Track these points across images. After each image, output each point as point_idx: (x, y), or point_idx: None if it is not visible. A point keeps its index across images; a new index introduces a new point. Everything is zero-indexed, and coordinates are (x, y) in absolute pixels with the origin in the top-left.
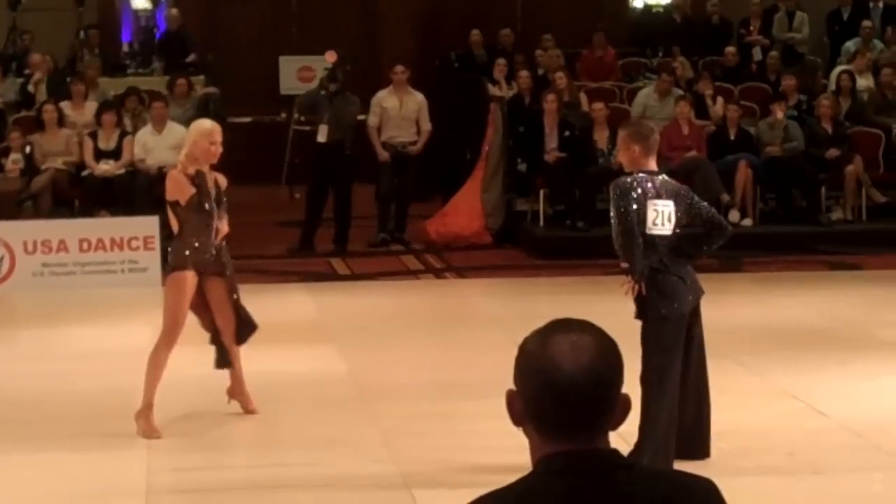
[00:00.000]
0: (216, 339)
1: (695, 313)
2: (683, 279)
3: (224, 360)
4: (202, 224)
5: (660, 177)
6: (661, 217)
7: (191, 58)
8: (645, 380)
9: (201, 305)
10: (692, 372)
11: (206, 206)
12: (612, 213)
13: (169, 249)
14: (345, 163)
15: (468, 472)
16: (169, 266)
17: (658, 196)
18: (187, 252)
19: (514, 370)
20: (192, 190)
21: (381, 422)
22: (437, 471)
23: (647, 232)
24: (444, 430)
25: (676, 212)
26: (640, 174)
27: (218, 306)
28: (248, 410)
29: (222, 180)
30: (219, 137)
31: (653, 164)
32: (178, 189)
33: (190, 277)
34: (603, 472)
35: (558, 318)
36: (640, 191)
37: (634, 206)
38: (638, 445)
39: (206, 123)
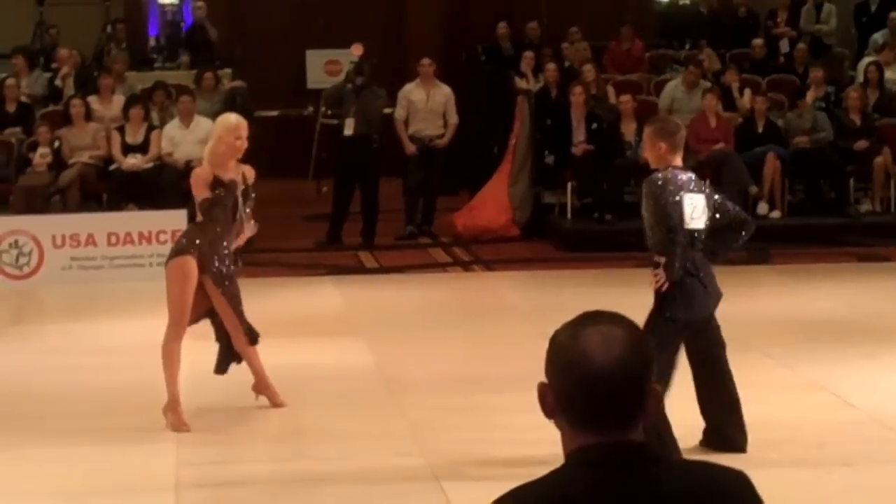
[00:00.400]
0: (222, 339)
1: (708, 318)
2: (706, 286)
3: (223, 365)
4: (213, 228)
5: (688, 173)
6: (697, 210)
7: (217, 52)
8: None
9: (198, 298)
10: (719, 374)
11: (222, 214)
12: (645, 211)
13: (181, 242)
14: (372, 156)
15: (497, 465)
16: (172, 251)
17: (691, 190)
18: (197, 241)
19: (545, 363)
20: (207, 194)
21: (408, 415)
22: (466, 464)
23: (686, 227)
24: (471, 422)
25: (706, 206)
26: (672, 170)
27: (221, 311)
28: (275, 404)
29: (250, 173)
30: (244, 132)
31: (679, 161)
32: (195, 187)
33: (192, 263)
34: (634, 464)
35: (588, 311)
36: (676, 184)
37: (676, 199)
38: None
39: (231, 118)
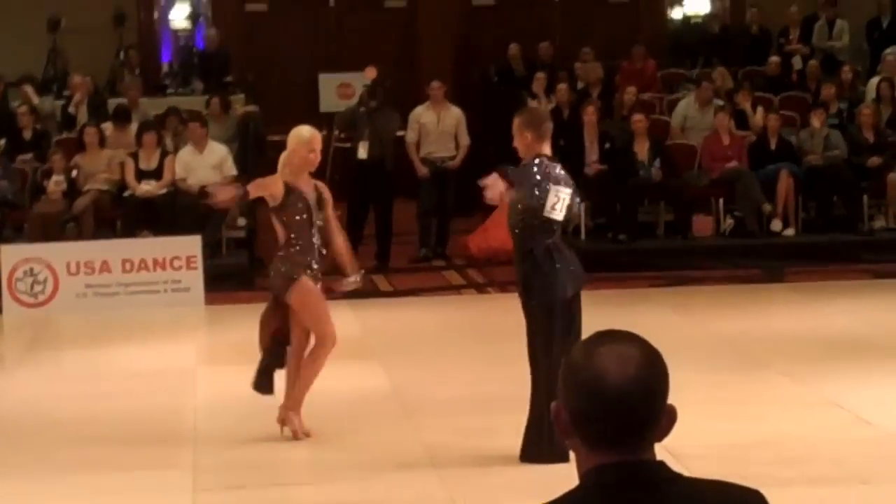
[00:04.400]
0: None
1: (575, 298)
2: (561, 270)
3: (267, 384)
4: (290, 239)
5: (559, 165)
6: (561, 203)
7: (229, 78)
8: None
9: (270, 319)
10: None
11: (298, 217)
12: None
13: (280, 266)
14: (385, 179)
15: (514, 488)
16: (280, 283)
17: (558, 182)
18: (297, 257)
19: (559, 382)
20: (278, 200)
21: (425, 437)
22: (482, 486)
23: (545, 215)
24: (488, 445)
25: (572, 200)
26: (542, 159)
27: (308, 313)
28: (296, 434)
29: (323, 188)
30: (318, 146)
31: (548, 150)
32: (260, 188)
33: (307, 281)
34: (649, 484)
35: (603, 330)
36: (544, 173)
37: (545, 186)
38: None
39: (304, 131)
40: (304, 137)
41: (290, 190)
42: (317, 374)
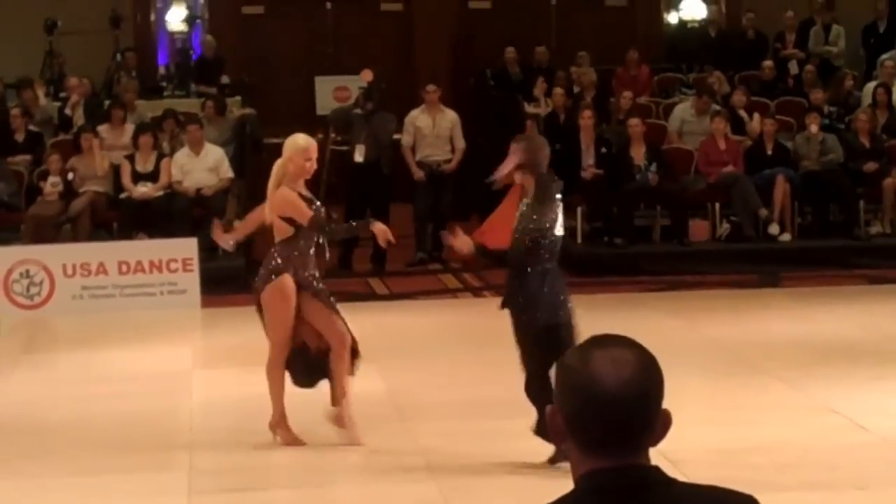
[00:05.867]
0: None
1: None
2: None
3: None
4: (306, 244)
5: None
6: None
7: (225, 80)
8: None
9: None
10: None
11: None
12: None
13: (271, 264)
14: (382, 182)
15: (509, 491)
16: (266, 272)
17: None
18: (293, 254)
19: (554, 386)
20: (311, 213)
21: (420, 441)
22: (478, 490)
23: (555, 233)
24: (483, 448)
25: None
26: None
27: (318, 319)
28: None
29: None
30: (314, 154)
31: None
32: (295, 208)
33: (290, 281)
34: (644, 488)
35: (598, 334)
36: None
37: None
38: None
39: (300, 140)
40: (300, 146)
41: (305, 200)
42: (281, 380)
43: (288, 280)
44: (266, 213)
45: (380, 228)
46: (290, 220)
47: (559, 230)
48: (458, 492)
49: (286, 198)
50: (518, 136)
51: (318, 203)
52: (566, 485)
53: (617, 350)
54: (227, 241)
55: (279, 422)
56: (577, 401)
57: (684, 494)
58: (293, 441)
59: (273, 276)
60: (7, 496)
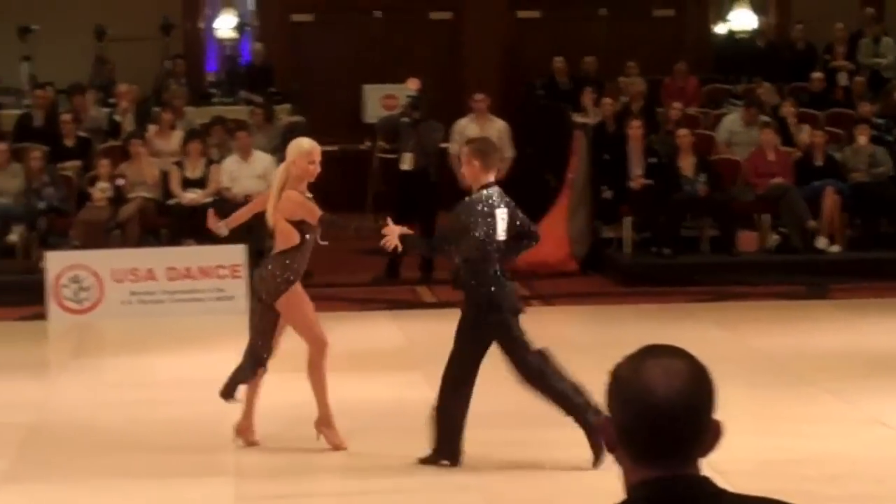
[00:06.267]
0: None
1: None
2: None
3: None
4: (309, 246)
5: (496, 188)
6: (504, 223)
7: (274, 88)
8: None
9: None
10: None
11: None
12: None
13: (269, 266)
14: (429, 190)
15: (554, 501)
16: (276, 287)
17: (499, 206)
18: (295, 265)
19: (606, 396)
20: (320, 212)
21: (466, 449)
22: (521, 499)
23: (498, 238)
24: (529, 457)
25: (509, 218)
26: (485, 190)
27: (299, 323)
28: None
29: None
30: (318, 157)
31: (492, 178)
32: (306, 209)
33: (299, 288)
34: (694, 499)
35: (649, 344)
36: (489, 205)
37: (488, 220)
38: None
39: (304, 143)
40: (304, 148)
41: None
42: (322, 380)
43: (297, 287)
44: (269, 216)
45: (391, 232)
46: (298, 224)
47: (502, 235)
48: (502, 501)
49: (294, 200)
50: (470, 139)
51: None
52: (613, 494)
53: (669, 360)
54: (220, 228)
55: (324, 421)
56: (630, 411)
57: None
58: (337, 442)
59: (286, 287)
60: (55, 499)
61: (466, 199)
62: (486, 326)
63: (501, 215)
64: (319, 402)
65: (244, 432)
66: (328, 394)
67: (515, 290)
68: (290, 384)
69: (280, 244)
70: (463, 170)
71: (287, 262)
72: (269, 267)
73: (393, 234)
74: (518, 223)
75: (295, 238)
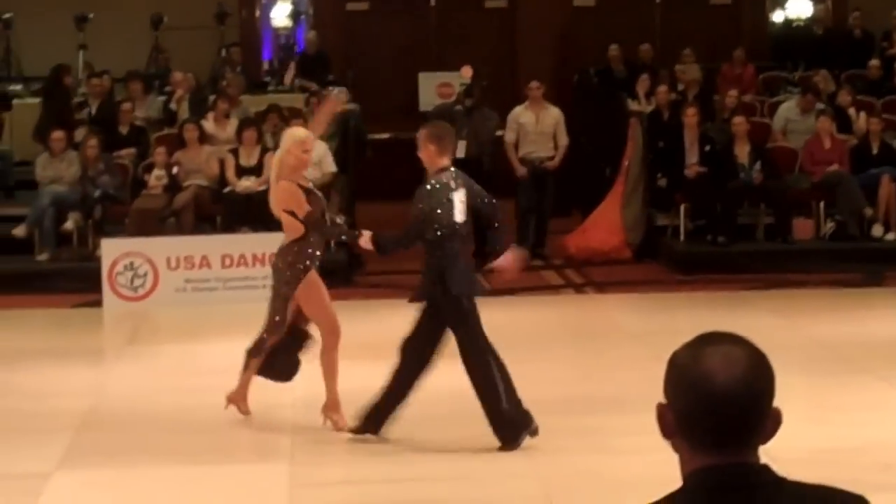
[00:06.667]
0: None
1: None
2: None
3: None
4: (309, 237)
5: (451, 170)
6: (462, 205)
7: (330, 76)
8: None
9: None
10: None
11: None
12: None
13: (278, 260)
14: (483, 178)
15: (610, 488)
16: (293, 276)
17: (456, 189)
18: (309, 250)
19: (664, 383)
20: (309, 208)
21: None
22: (579, 486)
23: (456, 221)
24: (584, 444)
25: (466, 198)
26: (440, 174)
27: (314, 308)
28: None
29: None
30: (311, 146)
31: (447, 161)
32: (295, 201)
33: (314, 275)
34: (753, 487)
35: (707, 332)
36: (446, 188)
37: (439, 211)
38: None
39: (299, 132)
40: (298, 137)
41: (306, 192)
42: (334, 366)
43: (312, 275)
44: (272, 207)
45: (364, 242)
46: (292, 214)
47: (459, 216)
48: (560, 488)
49: (287, 190)
50: (425, 123)
51: (321, 194)
52: (672, 482)
53: (728, 347)
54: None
55: (331, 406)
56: (689, 398)
57: (795, 493)
58: (342, 425)
59: (300, 276)
60: (112, 485)
61: (422, 186)
62: (448, 306)
63: (459, 197)
64: (328, 388)
65: (240, 401)
66: (338, 380)
67: (472, 272)
68: (344, 371)
69: (287, 235)
70: (420, 154)
71: (296, 250)
72: (279, 260)
73: (366, 244)
74: (478, 199)
75: (299, 228)
